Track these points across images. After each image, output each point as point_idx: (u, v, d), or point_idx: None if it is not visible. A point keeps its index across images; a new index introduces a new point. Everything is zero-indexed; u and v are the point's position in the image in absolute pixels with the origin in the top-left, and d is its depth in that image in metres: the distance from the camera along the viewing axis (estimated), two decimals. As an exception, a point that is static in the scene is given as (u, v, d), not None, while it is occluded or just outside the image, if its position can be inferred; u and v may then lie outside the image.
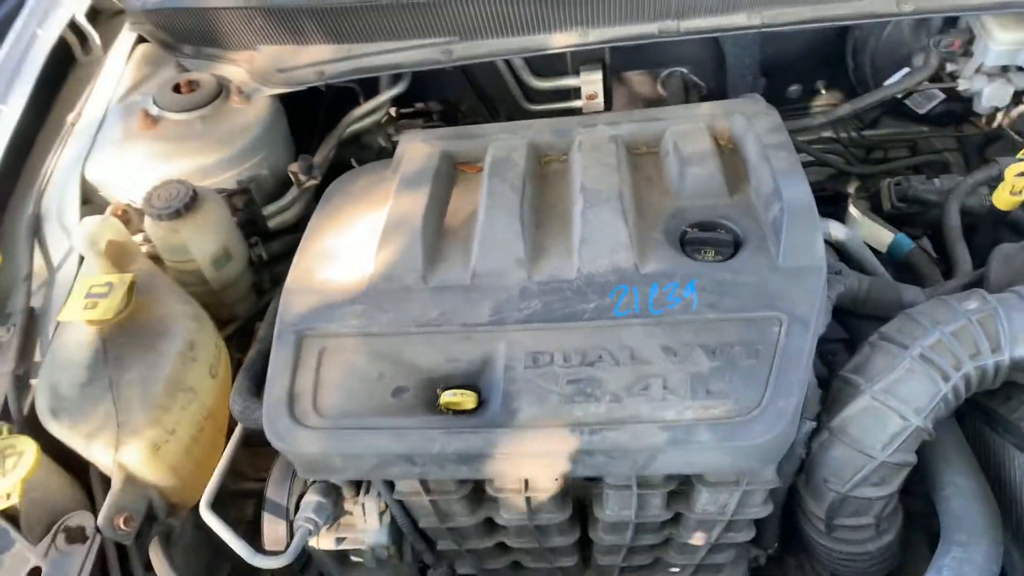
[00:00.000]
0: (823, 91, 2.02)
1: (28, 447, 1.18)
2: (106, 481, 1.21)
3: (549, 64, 1.95)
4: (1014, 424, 1.14)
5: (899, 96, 1.77)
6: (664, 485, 1.14)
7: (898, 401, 1.08)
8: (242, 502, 1.42)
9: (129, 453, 1.16)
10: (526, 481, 1.13)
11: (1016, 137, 1.70)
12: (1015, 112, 1.70)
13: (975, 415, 1.25)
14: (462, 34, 1.61)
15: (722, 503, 1.13)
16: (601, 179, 1.29)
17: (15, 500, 1.14)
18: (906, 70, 1.73)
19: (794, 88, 2.02)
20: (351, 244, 1.30)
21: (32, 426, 1.24)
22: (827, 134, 2.00)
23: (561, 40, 1.60)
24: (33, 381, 1.31)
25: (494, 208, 1.26)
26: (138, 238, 1.48)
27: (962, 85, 1.64)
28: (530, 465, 1.07)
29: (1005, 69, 1.60)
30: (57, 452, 1.24)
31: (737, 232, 1.21)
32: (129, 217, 1.47)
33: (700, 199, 1.27)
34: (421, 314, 1.18)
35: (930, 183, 1.59)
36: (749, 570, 1.37)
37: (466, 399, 1.09)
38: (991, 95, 1.61)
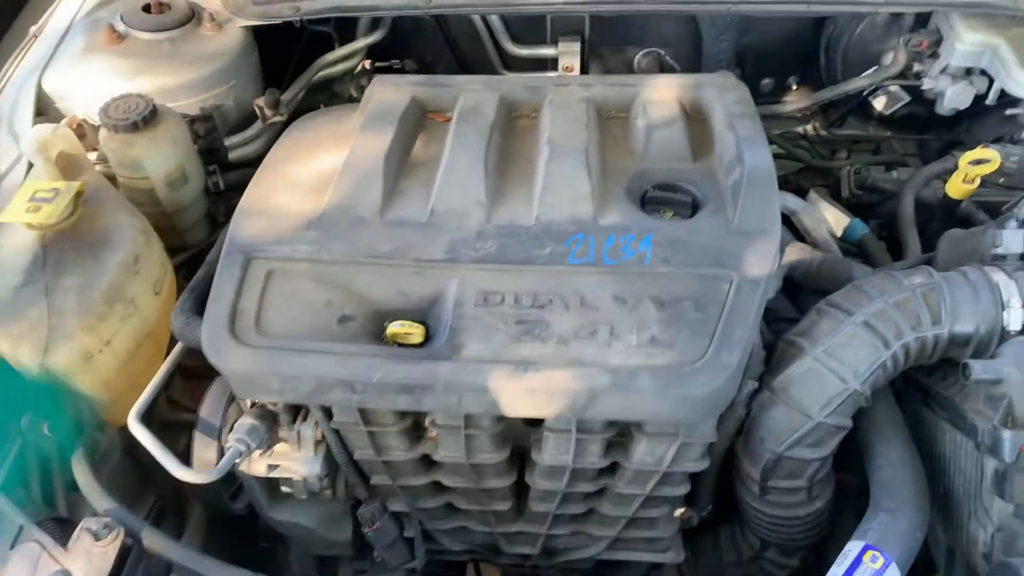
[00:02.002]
0: (795, 87, 2.05)
1: (-47, 345, 1.14)
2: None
3: (528, 31, 1.95)
4: (949, 400, 1.16)
5: (865, 93, 1.80)
6: (603, 432, 1.14)
7: (839, 364, 1.10)
8: (177, 433, 1.39)
9: (58, 358, 1.13)
10: (466, 418, 1.12)
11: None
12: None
13: (913, 393, 1.27)
14: (443, -18, 1.60)
15: (659, 455, 1.14)
16: (569, 134, 1.29)
17: (-66, 396, 1.10)
18: (875, 68, 1.77)
19: (767, 81, 2.04)
20: (309, 174, 1.28)
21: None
22: (796, 130, 2.03)
23: (542, -1, 1.60)
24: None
25: (459, 150, 1.25)
26: (92, 156, 1.44)
27: (927, 85, 1.68)
28: (472, 400, 1.06)
29: (969, 72, 1.65)
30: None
31: (696, 195, 1.22)
32: (84, 131, 1.43)
33: (664, 162, 1.28)
34: (375, 246, 1.16)
35: (888, 173, 1.62)
36: (682, 532, 1.37)
37: (414, 331, 1.08)
38: (953, 96, 1.65)
